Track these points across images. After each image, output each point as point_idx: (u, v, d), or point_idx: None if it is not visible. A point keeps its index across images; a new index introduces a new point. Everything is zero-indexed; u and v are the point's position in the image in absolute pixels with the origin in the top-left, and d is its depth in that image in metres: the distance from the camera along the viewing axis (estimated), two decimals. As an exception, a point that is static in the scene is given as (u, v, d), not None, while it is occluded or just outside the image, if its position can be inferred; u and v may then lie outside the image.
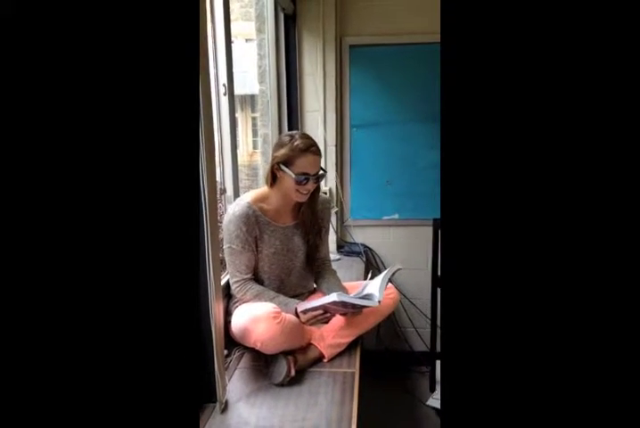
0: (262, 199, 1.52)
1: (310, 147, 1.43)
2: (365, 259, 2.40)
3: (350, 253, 2.44)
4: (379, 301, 1.36)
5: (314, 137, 1.49)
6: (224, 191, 1.73)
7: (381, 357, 2.48)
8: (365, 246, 2.48)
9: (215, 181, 1.12)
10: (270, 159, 1.50)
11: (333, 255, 2.35)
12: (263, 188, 1.55)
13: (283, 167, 1.44)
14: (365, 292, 1.43)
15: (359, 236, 2.50)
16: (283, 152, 1.44)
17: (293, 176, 1.42)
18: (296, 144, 1.42)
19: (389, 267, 1.53)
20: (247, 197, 1.51)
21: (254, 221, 1.47)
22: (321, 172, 1.48)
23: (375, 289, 1.40)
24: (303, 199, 1.50)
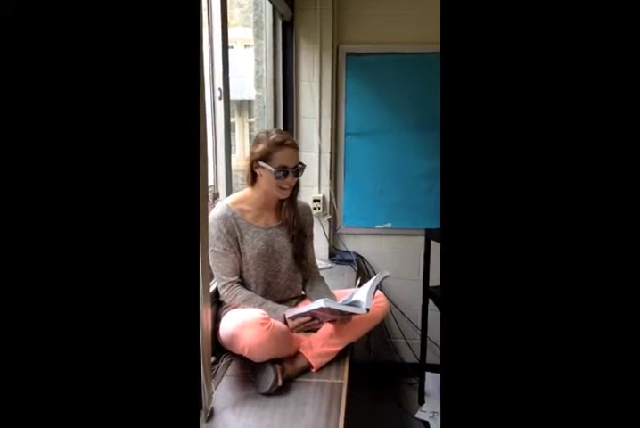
0: (242, 200, 1.53)
1: (286, 140, 1.46)
2: (356, 267, 2.38)
3: (342, 261, 2.42)
4: (367, 309, 1.35)
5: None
6: (217, 195, 1.72)
7: (371, 367, 2.45)
8: (356, 254, 2.47)
9: (206, 185, 1.10)
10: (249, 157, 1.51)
11: (325, 263, 2.34)
12: (244, 190, 1.57)
13: (261, 163, 1.46)
14: (353, 298, 1.41)
15: (351, 244, 2.49)
16: (260, 147, 1.46)
17: (272, 170, 1.44)
18: (272, 138, 1.45)
19: (377, 274, 1.52)
20: (227, 200, 1.53)
21: (233, 223, 1.48)
22: (300, 165, 1.50)
23: (363, 296, 1.38)
24: (285, 195, 1.51)
